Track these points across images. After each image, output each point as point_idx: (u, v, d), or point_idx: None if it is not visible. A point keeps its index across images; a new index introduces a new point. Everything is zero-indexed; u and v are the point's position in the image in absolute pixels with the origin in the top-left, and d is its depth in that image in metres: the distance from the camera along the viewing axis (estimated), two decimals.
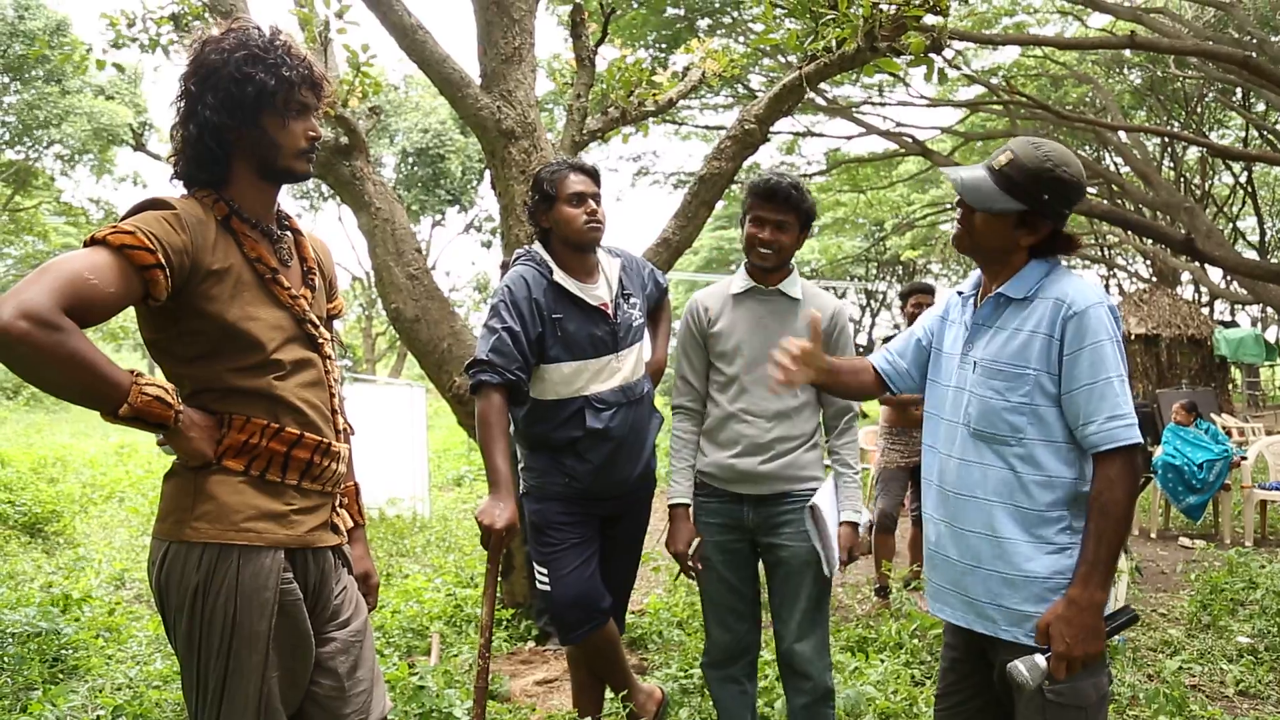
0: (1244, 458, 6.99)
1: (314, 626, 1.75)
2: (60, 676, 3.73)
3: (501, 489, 2.45)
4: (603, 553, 2.76)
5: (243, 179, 1.72)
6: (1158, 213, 14.89)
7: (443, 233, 48.90)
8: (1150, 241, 15.64)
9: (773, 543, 2.58)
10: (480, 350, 2.53)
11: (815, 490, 2.55)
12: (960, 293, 2.03)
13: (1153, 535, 7.04)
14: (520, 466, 2.81)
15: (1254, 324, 21.79)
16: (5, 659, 3.56)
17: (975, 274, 2.02)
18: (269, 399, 1.68)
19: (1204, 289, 19.44)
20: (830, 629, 2.70)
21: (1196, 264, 15.80)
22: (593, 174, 2.73)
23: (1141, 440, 1.75)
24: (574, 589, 2.62)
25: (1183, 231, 11.07)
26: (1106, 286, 28.44)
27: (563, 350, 2.62)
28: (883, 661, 3.79)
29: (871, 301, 33.37)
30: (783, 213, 2.54)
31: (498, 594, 4.76)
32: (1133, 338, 14.87)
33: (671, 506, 2.71)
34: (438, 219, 22.75)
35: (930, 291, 5.25)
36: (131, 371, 1.52)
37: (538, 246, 2.74)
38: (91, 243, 1.51)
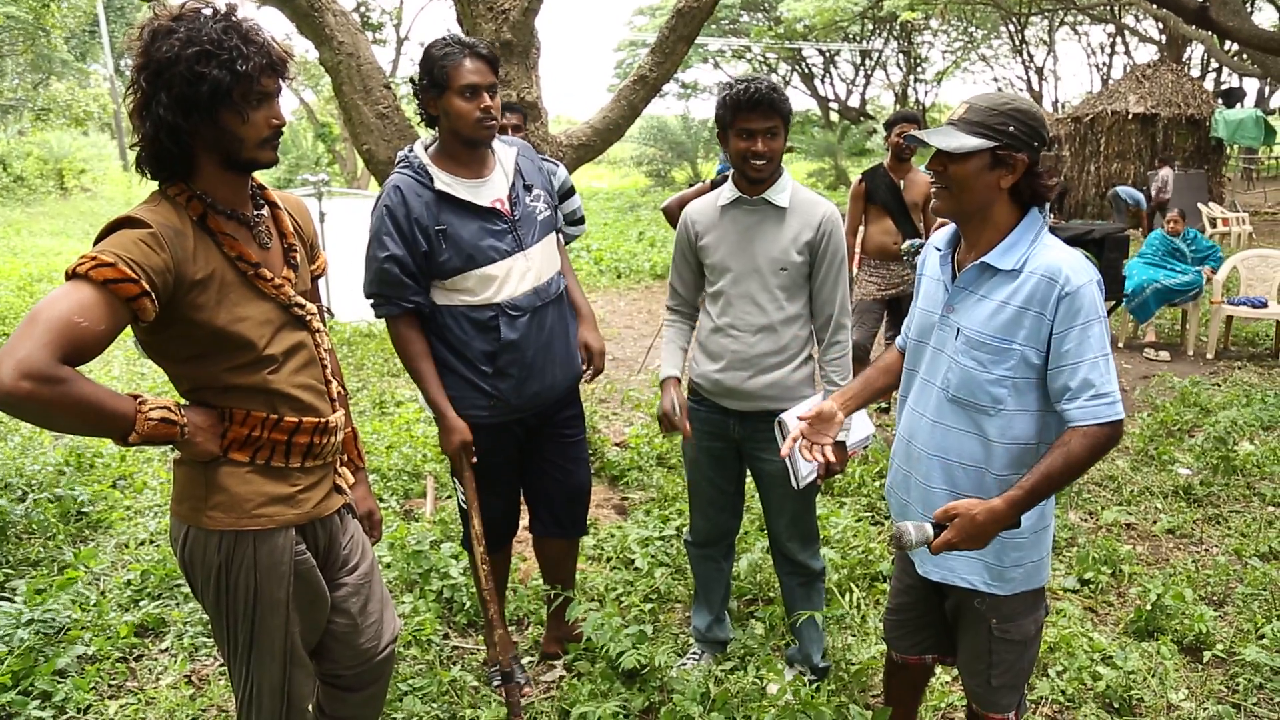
0: (1214, 270, 7.06)
1: (326, 577, 1.93)
2: (86, 533, 4.00)
3: (444, 412, 2.51)
4: (546, 460, 2.79)
5: (209, 170, 1.70)
6: None
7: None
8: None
9: (756, 456, 2.69)
10: (367, 285, 2.50)
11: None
12: (938, 249, 2.02)
13: (1120, 345, 7.26)
14: None
15: (1256, 104, 20.98)
16: (34, 525, 3.80)
17: (950, 227, 2.01)
18: (266, 392, 1.76)
19: (1213, 60, 18.61)
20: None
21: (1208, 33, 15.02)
22: (491, 61, 2.47)
23: (1123, 417, 1.80)
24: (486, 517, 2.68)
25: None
26: (1112, 50, 26.99)
27: (461, 261, 2.46)
28: (842, 505, 4.09)
29: (866, 60, 31.95)
30: (770, 119, 2.46)
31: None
32: (1130, 117, 14.48)
33: (661, 381, 2.76)
34: None
35: (915, 120, 5.23)
36: (133, 396, 1.58)
37: (419, 149, 2.54)
38: (72, 276, 1.51)
